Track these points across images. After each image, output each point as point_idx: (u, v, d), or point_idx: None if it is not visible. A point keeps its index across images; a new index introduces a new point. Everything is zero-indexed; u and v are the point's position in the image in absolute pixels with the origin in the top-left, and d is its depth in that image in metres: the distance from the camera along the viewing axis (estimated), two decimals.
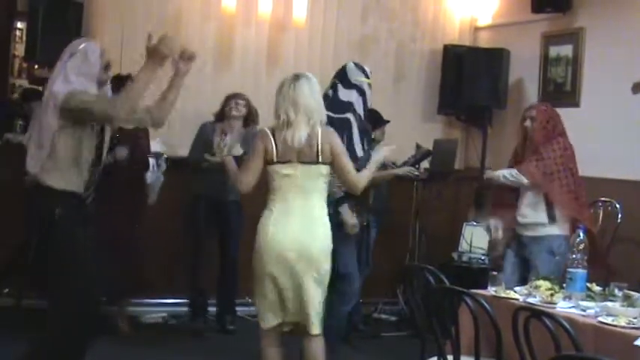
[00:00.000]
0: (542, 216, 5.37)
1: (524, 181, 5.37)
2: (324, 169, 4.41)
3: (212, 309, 6.71)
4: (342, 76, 5.35)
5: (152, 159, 6.31)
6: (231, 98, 6.45)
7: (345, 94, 5.26)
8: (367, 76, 5.34)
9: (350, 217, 5.20)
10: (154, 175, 6.33)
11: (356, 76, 5.30)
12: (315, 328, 4.38)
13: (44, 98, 4.47)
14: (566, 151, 5.38)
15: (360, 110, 5.25)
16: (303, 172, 4.37)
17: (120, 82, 5.54)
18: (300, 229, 4.34)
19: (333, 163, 4.44)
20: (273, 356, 4.48)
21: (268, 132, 4.41)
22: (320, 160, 4.37)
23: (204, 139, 6.36)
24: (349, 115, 5.19)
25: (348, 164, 4.50)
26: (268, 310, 4.41)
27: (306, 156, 4.36)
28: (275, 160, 4.35)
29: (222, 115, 6.48)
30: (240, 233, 6.39)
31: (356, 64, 5.42)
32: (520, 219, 5.46)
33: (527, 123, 5.48)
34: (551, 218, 5.33)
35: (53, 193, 4.36)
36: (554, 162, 5.33)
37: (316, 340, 4.42)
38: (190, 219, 6.51)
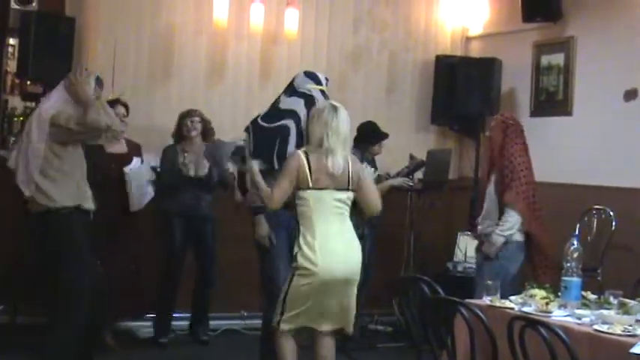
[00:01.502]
0: (491, 225, 5.45)
1: (519, 221, 5.36)
2: (352, 195, 4.65)
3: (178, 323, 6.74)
4: (288, 87, 5.35)
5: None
6: (185, 117, 6.49)
7: (287, 103, 5.23)
8: (319, 83, 5.28)
9: (261, 229, 5.17)
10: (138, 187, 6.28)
11: (304, 84, 5.26)
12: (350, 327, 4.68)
13: (30, 122, 4.77)
14: (523, 160, 5.46)
15: (305, 117, 5.09)
16: (337, 198, 4.59)
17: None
18: (343, 253, 4.57)
19: (362, 187, 4.68)
20: (290, 349, 4.64)
21: (303, 157, 4.56)
22: (350, 187, 4.62)
23: (169, 161, 6.43)
24: (288, 122, 5.15)
25: (372, 184, 4.91)
26: (298, 320, 4.59)
27: (340, 183, 4.58)
28: (310, 185, 4.53)
29: (180, 135, 6.51)
30: (215, 246, 6.48)
31: (307, 73, 5.39)
32: (478, 228, 5.60)
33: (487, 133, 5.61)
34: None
35: (58, 212, 4.71)
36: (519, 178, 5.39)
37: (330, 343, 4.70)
38: (166, 237, 6.48)
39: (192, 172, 6.31)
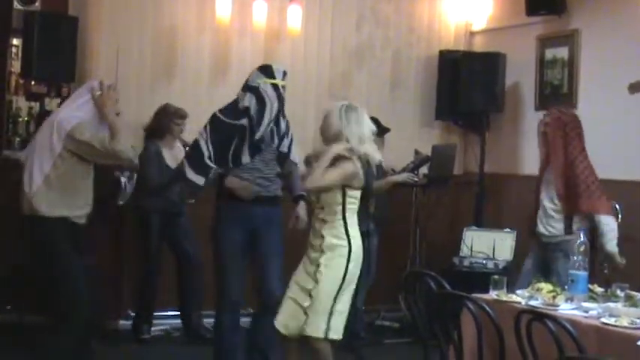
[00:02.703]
0: (557, 229, 5.36)
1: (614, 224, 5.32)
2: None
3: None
4: (245, 82, 5.26)
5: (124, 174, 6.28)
6: (183, 117, 6.53)
7: (243, 100, 5.15)
8: (271, 77, 5.15)
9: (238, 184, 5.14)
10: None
11: (255, 79, 5.16)
12: None
13: (50, 122, 4.70)
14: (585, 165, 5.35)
15: (257, 114, 5.10)
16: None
17: None
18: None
19: None
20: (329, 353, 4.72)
21: (357, 164, 4.67)
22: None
23: (158, 161, 6.43)
24: (244, 122, 5.12)
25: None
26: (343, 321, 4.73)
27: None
28: (363, 185, 4.73)
29: (167, 132, 6.50)
30: (190, 240, 6.51)
31: (261, 67, 5.28)
32: (539, 230, 5.46)
33: (542, 128, 5.49)
34: (568, 233, 5.31)
35: (45, 220, 4.79)
36: (587, 176, 5.30)
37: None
38: (144, 234, 6.51)
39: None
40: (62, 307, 4.89)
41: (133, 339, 6.50)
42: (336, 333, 4.67)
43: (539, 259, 5.46)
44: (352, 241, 4.69)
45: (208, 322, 6.53)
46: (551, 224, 5.37)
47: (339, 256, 4.65)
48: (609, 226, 5.27)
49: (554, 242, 5.36)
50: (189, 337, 6.62)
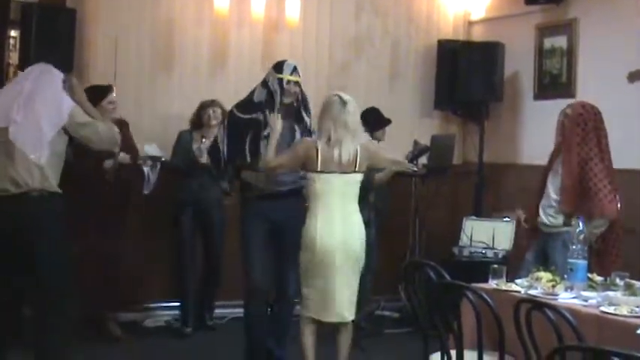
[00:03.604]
0: (559, 220, 5.34)
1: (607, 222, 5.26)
2: (359, 177, 5.02)
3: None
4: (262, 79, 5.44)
5: (147, 164, 6.31)
6: (207, 107, 6.57)
7: (258, 95, 5.33)
8: (280, 72, 5.30)
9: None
10: (153, 176, 6.32)
11: (269, 75, 5.36)
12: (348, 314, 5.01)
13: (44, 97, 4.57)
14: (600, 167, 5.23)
15: (274, 108, 5.27)
16: (344, 180, 4.95)
17: (98, 93, 5.63)
18: (342, 230, 4.92)
19: (372, 158, 5.12)
20: (309, 344, 5.01)
21: (312, 144, 4.93)
22: (357, 169, 4.98)
23: (183, 146, 6.54)
24: (259, 115, 5.27)
25: (382, 153, 5.53)
26: (316, 303, 4.94)
27: (346, 167, 4.93)
28: (318, 169, 4.89)
29: (199, 123, 6.59)
30: (223, 232, 6.57)
31: (275, 63, 5.44)
32: (540, 219, 5.43)
33: (561, 118, 5.34)
34: (567, 224, 5.28)
35: (58, 197, 4.58)
36: (600, 180, 5.20)
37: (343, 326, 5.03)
38: (177, 225, 6.58)
39: (204, 159, 6.32)
40: (56, 296, 4.62)
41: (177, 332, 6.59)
42: (308, 311, 4.98)
43: (540, 250, 5.44)
44: (306, 225, 4.93)
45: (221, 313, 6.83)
46: (552, 214, 5.35)
47: (301, 239, 4.95)
48: (605, 224, 5.24)
49: (555, 232, 5.34)
50: (195, 325, 6.68)
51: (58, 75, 4.78)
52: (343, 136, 4.90)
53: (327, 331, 5.08)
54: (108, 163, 6.02)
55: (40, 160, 4.50)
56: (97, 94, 5.85)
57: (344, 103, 4.96)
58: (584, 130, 5.21)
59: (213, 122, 6.51)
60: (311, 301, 4.97)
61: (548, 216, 5.37)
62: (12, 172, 4.48)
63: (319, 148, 4.89)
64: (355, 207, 5.03)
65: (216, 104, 6.58)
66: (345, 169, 4.93)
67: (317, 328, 5.04)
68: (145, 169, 6.26)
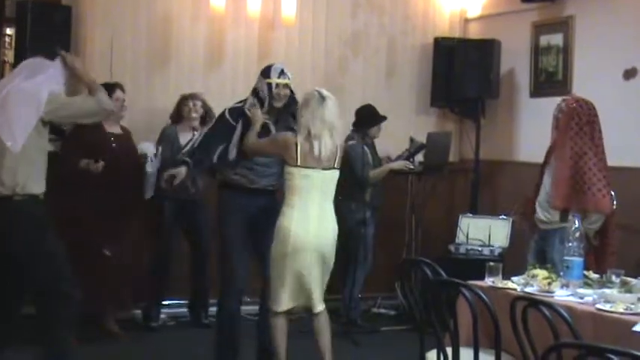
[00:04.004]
0: (556, 216, 5.32)
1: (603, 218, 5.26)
2: (337, 173, 5.07)
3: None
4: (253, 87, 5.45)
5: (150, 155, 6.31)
6: (188, 99, 6.54)
7: (249, 104, 5.30)
8: (267, 76, 5.28)
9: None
10: (152, 169, 6.30)
11: (257, 82, 5.36)
12: (320, 305, 5.02)
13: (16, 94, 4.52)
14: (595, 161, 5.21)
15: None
16: (323, 176, 4.98)
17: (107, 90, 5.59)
18: (317, 226, 4.95)
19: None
20: (283, 341, 5.03)
21: (293, 139, 4.94)
22: (335, 165, 5.02)
23: (172, 143, 6.47)
24: (239, 124, 5.27)
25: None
26: (286, 296, 4.96)
27: (325, 163, 4.96)
28: (298, 164, 4.90)
29: (179, 117, 6.56)
30: (208, 227, 6.52)
31: (263, 70, 5.41)
32: (537, 215, 5.41)
33: (555, 112, 5.31)
34: (563, 220, 5.27)
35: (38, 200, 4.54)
36: (594, 174, 5.17)
37: (322, 315, 5.04)
38: (157, 219, 6.55)
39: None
40: (46, 298, 4.60)
41: (143, 327, 6.58)
42: (279, 306, 4.98)
43: (540, 249, 5.43)
44: (281, 219, 4.95)
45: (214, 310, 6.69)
46: (549, 211, 5.34)
47: (275, 232, 4.97)
48: (601, 219, 5.25)
49: (551, 229, 5.33)
50: (191, 323, 6.73)
51: (41, 65, 4.73)
52: (321, 130, 4.90)
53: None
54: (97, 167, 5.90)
55: (16, 148, 4.45)
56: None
57: (323, 98, 4.94)
58: (578, 125, 5.19)
59: (194, 115, 6.49)
60: (283, 294, 4.95)
61: (545, 212, 5.35)
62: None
63: (298, 143, 4.90)
64: (331, 205, 5.05)
65: (197, 97, 6.55)
66: (324, 165, 4.95)
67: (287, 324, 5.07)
68: (149, 170, 6.23)
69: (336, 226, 5.08)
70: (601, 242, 5.28)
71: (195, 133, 6.39)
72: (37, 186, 4.55)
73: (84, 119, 4.95)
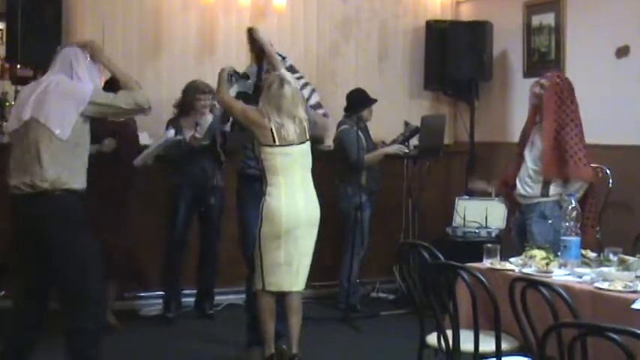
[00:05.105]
0: (536, 190, 5.38)
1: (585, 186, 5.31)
2: (309, 144, 5.12)
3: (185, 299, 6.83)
4: None
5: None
6: (203, 92, 6.49)
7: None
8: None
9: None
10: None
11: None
12: (302, 284, 5.13)
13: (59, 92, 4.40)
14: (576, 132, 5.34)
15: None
16: (300, 150, 5.04)
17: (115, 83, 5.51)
18: (305, 201, 5.03)
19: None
20: (271, 321, 5.07)
21: (267, 118, 4.96)
22: (307, 137, 5.09)
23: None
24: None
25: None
26: (276, 274, 4.99)
27: (300, 136, 5.03)
28: (277, 143, 4.95)
29: (190, 108, 6.51)
30: (221, 218, 6.55)
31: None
32: (518, 191, 5.47)
33: (537, 89, 5.44)
34: (544, 195, 5.34)
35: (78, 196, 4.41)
36: (576, 143, 5.28)
37: (298, 294, 5.13)
38: (172, 209, 6.53)
39: (205, 141, 6.38)
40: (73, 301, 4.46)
41: (157, 318, 6.60)
42: (272, 286, 5.01)
43: (520, 224, 5.50)
44: (266, 198, 4.96)
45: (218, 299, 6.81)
46: (529, 185, 5.41)
47: (260, 214, 4.98)
48: (582, 188, 5.29)
49: (531, 204, 5.39)
50: (194, 314, 6.72)
51: (75, 57, 4.56)
52: (281, 119, 4.97)
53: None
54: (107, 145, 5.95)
55: (65, 134, 4.32)
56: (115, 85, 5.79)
57: (281, 86, 4.98)
58: (561, 98, 5.33)
59: (206, 110, 6.51)
60: (272, 274, 4.99)
61: (526, 186, 5.44)
62: (34, 169, 4.33)
63: (271, 124, 4.95)
64: (310, 176, 5.12)
65: (212, 90, 6.43)
66: (299, 139, 5.02)
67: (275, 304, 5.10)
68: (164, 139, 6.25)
69: (316, 197, 5.14)
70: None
71: (198, 127, 6.39)
72: (79, 181, 4.43)
73: (125, 115, 4.94)
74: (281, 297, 5.10)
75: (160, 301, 6.72)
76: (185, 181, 6.47)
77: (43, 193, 4.32)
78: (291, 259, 5.00)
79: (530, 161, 5.43)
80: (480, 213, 7.09)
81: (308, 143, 5.10)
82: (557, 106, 5.32)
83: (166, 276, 6.62)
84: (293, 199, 4.97)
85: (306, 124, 5.08)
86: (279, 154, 4.96)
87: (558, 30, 7.04)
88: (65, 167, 4.35)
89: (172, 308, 6.59)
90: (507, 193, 5.65)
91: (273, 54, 5.41)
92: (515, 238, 5.51)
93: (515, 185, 5.50)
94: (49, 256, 4.37)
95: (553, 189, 5.30)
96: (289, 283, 5.04)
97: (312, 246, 5.12)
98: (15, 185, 4.37)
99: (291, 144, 4.97)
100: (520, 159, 5.51)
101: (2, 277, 6.21)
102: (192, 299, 6.82)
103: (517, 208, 5.56)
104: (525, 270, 4.14)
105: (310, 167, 5.12)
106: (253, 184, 5.24)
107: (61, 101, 4.37)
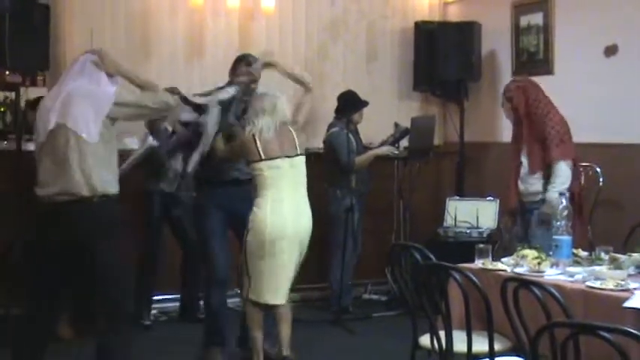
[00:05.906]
0: (538, 185, 5.45)
1: (569, 173, 5.38)
2: (304, 158, 5.14)
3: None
4: None
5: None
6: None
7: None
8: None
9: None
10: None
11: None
12: (287, 297, 5.13)
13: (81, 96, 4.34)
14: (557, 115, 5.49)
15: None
16: (290, 163, 5.06)
17: None
18: (293, 215, 5.03)
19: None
20: (258, 317, 5.11)
21: (249, 138, 5.02)
22: (299, 151, 5.10)
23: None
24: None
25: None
26: (265, 287, 5.01)
27: (288, 151, 5.06)
28: (263, 158, 4.98)
29: None
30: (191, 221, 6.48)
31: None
32: (520, 188, 5.55)
33: (507, 107, 5.59)
34: (546, 190, 5.39)
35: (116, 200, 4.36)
36: (557, 131, 5.41)
37: (286, 305, 5.14)
38: (145, 214, 6.51)
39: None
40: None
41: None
42: (256, 295, 5.03)
43: (524, 228, 5.51)
44: (255, 210, 4.99)
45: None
46: (529, 182, 5.48)
47: (248, 224, 5.01)
48: (562, 171, 5.36)
49: (534, 200, 5.42)
50: (185, 318, 6.71)
51: (93, 60, 4.52)
52: (270, 133, 5.02)
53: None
54: None
55: (93, 138, 4.24)
56: None
57: (268, 102, 5.08)
58: (529, 100, 5.48)
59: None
60: (259, 286, 5.01)
61: (527, 184, 5.50)
62: (67, 176, 4.24)
63: (256, 138, 4.99)
64: (305, 191, 5.13)
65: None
66: (287, 153, 5.04)
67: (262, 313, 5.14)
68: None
69: (310, 213, 5.15)
70: None
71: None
72: (113, 185, 4.36)
73: (151, 116, 5.00)
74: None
75: (156, 305, 6.74)
76: (157, 188, 6.45)
77: (82, 200, 4.22)
78: (275, 270, 5.00)
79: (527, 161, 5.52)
80: (471, 213, 7.09)
81: (301, 158, 5.13)
82: (532, 100, 5.46)
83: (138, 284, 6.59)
84: (279, 211, 4.97)
85: (295, 135, 5.11)
86: (267, 168, 5.00)
87: (547, 30, 7.06)
88: (99, 171, 4.26)
89: (146, 316, 6.55)
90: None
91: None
92: (518, 238, 5.51)
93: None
94: (85, 264, 4.26)
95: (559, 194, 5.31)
96: (272, 296, 5.04)
97: (296, 261, 5.10)
98: (47, 195, 4.26)
99: (279, 157, 5.01)
100: (519, 168, 5.56)
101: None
102: (176, 304, 6.83)
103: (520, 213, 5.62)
104: (517, 270, 4.14)
105: (304, 182, 5.14)
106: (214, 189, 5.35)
107: (86, 105, 4.30)
